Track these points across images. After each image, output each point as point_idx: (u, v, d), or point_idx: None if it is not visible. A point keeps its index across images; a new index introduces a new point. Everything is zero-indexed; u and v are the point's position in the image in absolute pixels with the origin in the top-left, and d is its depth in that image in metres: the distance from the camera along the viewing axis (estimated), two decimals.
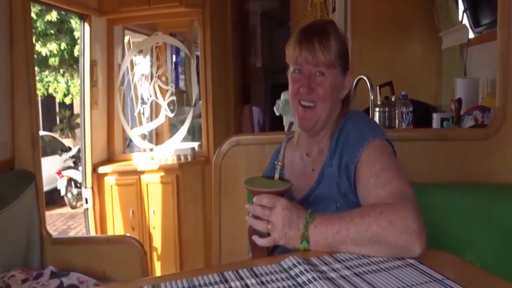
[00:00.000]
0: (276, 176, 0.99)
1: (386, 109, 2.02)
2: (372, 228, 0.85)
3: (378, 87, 2.12)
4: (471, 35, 2.25)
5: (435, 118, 1.99)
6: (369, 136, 1.02)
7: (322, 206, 1.02)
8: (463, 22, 2.33)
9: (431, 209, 1.22)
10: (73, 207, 7.68)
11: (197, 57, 3.38)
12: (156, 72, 3.25)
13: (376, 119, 2.04)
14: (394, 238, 0.84)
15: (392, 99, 2.08)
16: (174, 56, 4.23)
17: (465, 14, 2.31)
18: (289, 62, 1.13)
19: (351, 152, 1.02)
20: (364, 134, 1.03)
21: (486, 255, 1.22)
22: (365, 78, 2.11)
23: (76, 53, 9.28)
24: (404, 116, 1.87)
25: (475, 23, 2.23)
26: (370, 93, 2.09)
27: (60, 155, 8.28)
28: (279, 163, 1.00)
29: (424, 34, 2.74)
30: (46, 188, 1.96)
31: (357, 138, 1.03)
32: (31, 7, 1.89)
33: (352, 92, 1.21)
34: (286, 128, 1.08)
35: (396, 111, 1.92)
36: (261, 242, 0.94)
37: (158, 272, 2.99)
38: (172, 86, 3.27)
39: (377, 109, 2.06)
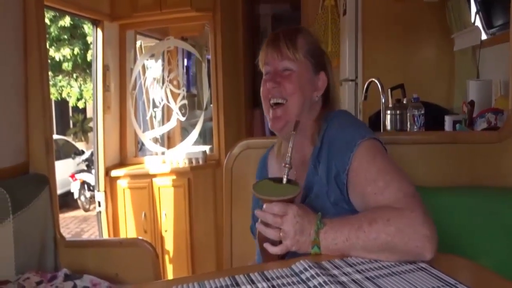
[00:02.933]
0: (284, 179, 0.96)
1: (398, 112, 2.01)
2: (381, 236, 0.83)
3: (389, 90, 2.11)
4: (484, 36, 2.23)
5: (447, 120, 1.98)
6: (356, 139, 0.98)
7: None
8: (476, 24, 2.31)
9: (443, 213, 1.21)
10: (86, 210, 7.77)
11: (208, 60, 3.39)
12: (168, 76, 3.27)
13: (388, 122, 2.03)
14: (405, 245, 0.83)
15: (404, 102, 2.07)
16: (185, 60, 4.26)
17: (477, 16, 2.29)
18: (261, 67, 1.13)
19: (340, 159, 0.98)
20: (350, 138, 0.99)
21: (499, 259, 1.20)
22: (376, 80, 2.11)
23: (89, 58, 9.40)
24: (415, 119, 1.86)
25: (487, 24, 2.21)
26: (381, 96, 2.09)
27: (73, 158, 8.40)
28: (287, 165, 0.96)
29: (436, 36, 2.72)
30: (59, 191, 1.99)
31: (343, 143, 0.99)
32: (45, 13, 1.91)
33: (335, 94, 1.17)
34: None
35: (408, 114, 1.91)
36: (274, 250, 0.93)
37: (170, 275, 3.01)
38: (183, 90, 3.29)
39: (388, 111, 2.05)
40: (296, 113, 1.06)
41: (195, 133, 3.20)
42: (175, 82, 3.31)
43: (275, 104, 1.08)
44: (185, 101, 3.24)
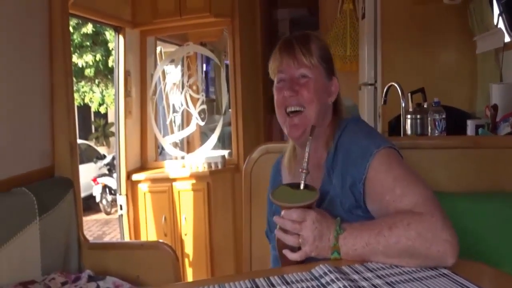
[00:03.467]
0: (302, 185, 0.96)
1: (418, 116, 1.99)
2: (401, 241, 0.83)
3: (409, 94, 2.09)
4: (507, 39, 2.19)
5: (470, 125, 1.95)
6: (372, 148, 0.97)
7: None
8: (499, 26, 2.26)
9: (464, 218, 1.20)
10: (107, 213, 7.90)
11: (227, 65, 3.42)
12: (187, 81, 3.31)
13: (408, 126, 2.02)
14: (426, 250, 0.82)
15: (424, 106, 2.04)
16: (204, 65, 4.30)
17: (500, 17, 2.25)
18: (272, 75, 1.12)
19: (355, 169, 0.98)
20: (365, 148, 0.98)
21: None
22: (395, 85, 2.09)
23: (110, 64, 9.59)
24: (437, 123, 1.84)
25: (511, 26, 2.17)
26: (401, 100, 2.07)
27: (95, 162, 8.56)
28: (304, 171, 0.95)
29: (457, 39, 2.68)
30: (82, 194, 2.03)
31: (359, 153, 0.99)
32: (69, 21, 1.97)
33: (342, 100, 1.16)
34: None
35: (429, 118, 1.89)
36: (294, 256, 0.93)
37: (190, 278, 3.03)
38: (202, 95, 3.33)
39: (408, 116, 2.03)
40: (313, 121, 1.07)
41: (214, 138, 3.23)
42: (194, 87, 3.35)
43: (291, 112, 1.08)
44: (204, 106, 3.27)
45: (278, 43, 1.12)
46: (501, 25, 2.25)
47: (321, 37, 1.15)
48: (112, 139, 12.09)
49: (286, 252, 0.94)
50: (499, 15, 2.26)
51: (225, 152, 3.26)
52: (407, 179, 0.93)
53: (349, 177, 1.00)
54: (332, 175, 1.04)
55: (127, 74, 3.05)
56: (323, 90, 1.09)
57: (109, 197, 7.79)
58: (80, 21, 8.56)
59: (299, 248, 0.93)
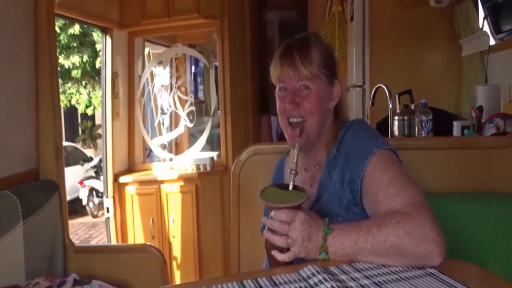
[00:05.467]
0: (291, 185, 0.96)
1: (405, 118, 2.00)
2: (389, 239, 0.84)
3: (397, 96, 2.11)
4: (492, 41, 2.22)
5: (456, 126, 1.97)
6: (372, 147, 1.00)
7: None
8: (484, 29, 2.30)
9: (451, 219, 1.21)
10: (94, 216, 7.81)
11: (216, 67, 3.42)
12: (176, 83, 3.30)
13: (395, 127, 2.03)
14: (413, 248, 0.83)
15: (412, 107, 2.06)
16: (193, 67, 4.28)
17: (485, 21, 2.28)
18: (273, 81, 1.12)
19: (355, 165, 1.00)
20: (367, 146, 1.01)
21: (508, 265, 1.19)
22: (383, 86, 2.10)
23: (97, 65, 9.50)
24: (423, 124, 1.85)
25: (496, 29, 2.20)
26: (389, 102, 2.08)
27: (82, 165, 8.47)
28: (293, 171, 0.97)
29: (443, 41, 2.71)
30: (68, 197, 2.00)
31: (359, 151, 1.01)
32: (55, 21, 1.94)
33: (344, 100, 1.18)
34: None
35: (416, 120, 1.90)
36: (282, 257, 0.93)
37: (177, 281, 3.01)
38: (191, 97, 3.32)
39: (396, 117, 2.04)
40: (315, 130, 1.08)
41: (202, 140, 3.22)
42: (183, 89, 3.34)
43: (293, 122, 1.09)
44: (193, 108, 3.26)
45: (279, 48, 1.11)
46: (486, 28, 2.28)
47: (322, 40, 1.14)
48: (99, 141, 11.97)
49: (275, 253, 0.94)
50: (484, 18, 2.29)
51: (214, 154, 3.25)
52: (402, 181, 0.95)
53: (348, 173, 1.02)
54: (332, 172, 1.06)
55: (114, 75, 3.03)
56: (325, 98, 1.10)
57: (96, 200, 7.71)
58: (67, 22, 8.47)
59: (287, 249, 0.93)
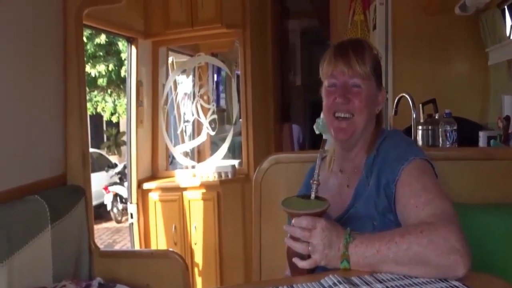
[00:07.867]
0: (312, 195, 0.97)
1: (429, 128, 1.98)
2: (413, 247, 0.83)
3: (420, 105, 2.09)
4: None
5: (482, 136, 1.93)
6: (410, 155, 1.01)
7: (358, 225, 1.00)
8: (511, 37, 2.25)
9: (475, 230, 1.18)
10: (118, 222, 7.93)
11: (238, 76, 3.45)
12: (198, 92, 3.34)
13: (419, 137, 2.00)
14: (436, 257, 0.82)
15: (436, 117, 2.03)
16: (215, 76, 4.33)
17: None
18: (323, 77, 1.14)
19: (391, 170, 1.01)
20: (404, 154, 1.02)
21: None
22: (406, 96, 2.08)
23: (123, 74, 9.72)
24: (448, 134, 1.83)
25: None
26: (413, 111, 2.06)
27: (106, 171, 8.63)
28: (315, 182, 0.98)
29: (468, 50, 2.67)
30: (93, 203, 2.05)
31: (397, 157, 1.02)
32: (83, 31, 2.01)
33: (383, 109, 1.19)
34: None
35: (440, 130, 1.88)
36: (303, 264, 0.93)
37: (199, 287, 3.03)
38: (213, 105, 3.36)
39: (420, 127, 2.02)
40: (361, 128, 1.09)
41: (224, 148, 3.24)
42: (205, 97, 3.38)
43: (340, 117, 1.10)
44: (215, 116, 3.29)
45: (331, 47, 1.14)
46: None
47: (373, 46, 1.16)
48: (123, 148, 12.18)
49: (296, 260, 0.95)
50: (511, 26, 2.25)
51: (235, 162, 3.27)
52: (434, 192, 0.95)
53: (384, 178, 1.02)
54: (370, 177, 1.07)
55: (139, 84, 3.09)
56: (373, 100, 1.12)
57: (120, 206, 7.83)
58: (94, 32, 8.70)
59: (309, 256, 0.93)
